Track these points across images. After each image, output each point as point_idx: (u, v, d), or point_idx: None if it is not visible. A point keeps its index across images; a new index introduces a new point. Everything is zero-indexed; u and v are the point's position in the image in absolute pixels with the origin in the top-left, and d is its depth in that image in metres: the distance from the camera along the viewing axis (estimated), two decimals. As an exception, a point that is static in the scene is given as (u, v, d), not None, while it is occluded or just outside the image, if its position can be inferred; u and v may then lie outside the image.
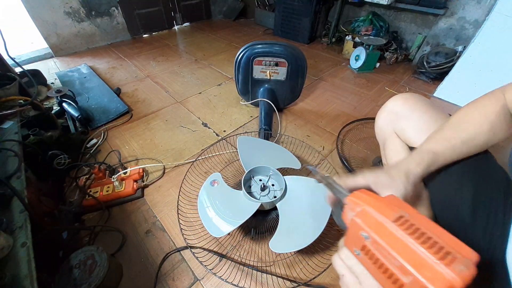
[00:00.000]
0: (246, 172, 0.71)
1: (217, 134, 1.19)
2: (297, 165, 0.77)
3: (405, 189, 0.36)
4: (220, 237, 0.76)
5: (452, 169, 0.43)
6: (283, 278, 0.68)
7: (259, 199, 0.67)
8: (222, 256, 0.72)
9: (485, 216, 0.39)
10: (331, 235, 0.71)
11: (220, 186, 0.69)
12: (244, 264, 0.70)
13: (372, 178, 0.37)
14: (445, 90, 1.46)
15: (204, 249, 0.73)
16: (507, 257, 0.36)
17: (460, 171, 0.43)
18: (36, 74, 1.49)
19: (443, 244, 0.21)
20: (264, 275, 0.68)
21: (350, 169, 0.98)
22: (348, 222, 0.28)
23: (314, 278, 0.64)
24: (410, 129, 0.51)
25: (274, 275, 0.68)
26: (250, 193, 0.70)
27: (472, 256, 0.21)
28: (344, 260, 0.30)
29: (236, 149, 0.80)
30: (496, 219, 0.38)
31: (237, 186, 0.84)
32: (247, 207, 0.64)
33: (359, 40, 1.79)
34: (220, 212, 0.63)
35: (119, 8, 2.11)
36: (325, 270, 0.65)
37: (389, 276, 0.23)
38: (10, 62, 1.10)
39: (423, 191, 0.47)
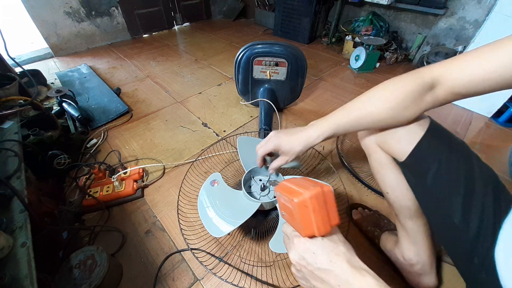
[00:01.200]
0: (246, 172, 0.71)
1: (217, 134, 1.19)
2: (297, 165, 0.77)
3: (299, 154, 0.50)
4: (220, 237, 0.76)
5: (440, 175, 0.43)
6: (267, 284, 0.68)
7: (259, 199, 0.67)
8: (220, 259, 0.72)
9: (477, 219, 0.39)
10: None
11: (220, 186, 0.69)
12: (242, 271, 0.70)
13: (275, 144, 0.49)
14: (445, 90, 1.46)
15: (206, 251, 0.73)
16: (495, 253, 0.37)
17: (447, 177, 0.42)
18: (36, 74, 1.49)
19: (309, 185, 0.34)
20: (264, 274, 0.68)
21: (350, 169, 0.98)
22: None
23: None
24: (392, 141, 0.49)
25: (266, 283, 0.68)
26: (250, 193, 0.70)
27: (323, 185, 0.34)
28: (283, 231, 0.39)
29: (236, 149, 0.80)
30: (488, 219, 0.39)
31: (237, 186, 0.84)
32: (247, 207, 0.64)
33: (359, 40, 1.79)
34: (220, 212, 0.63)
35: (119, 8, 2.11)
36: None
37: (291, 215, 0.36)
38: (10, 62, 1.10)
39: None
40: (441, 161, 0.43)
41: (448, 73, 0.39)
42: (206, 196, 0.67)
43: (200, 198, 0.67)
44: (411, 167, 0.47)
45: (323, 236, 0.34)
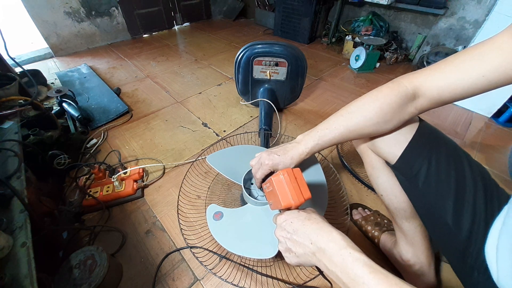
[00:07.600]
0: (246, 172, 0.71)
1: (217, 134, 1.19)
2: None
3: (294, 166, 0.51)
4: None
5: (430, 177, 0.43)
6: (278, 279, 0.68)
7: (259, 199, 0.67)
8: (222, 257, 0.72)
9: (469, 218, 0.39)
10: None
11: (225, 217, 0.63)
12: (244, 265, 0.70)
13: (271, 166, 0.51)
14: (445, 90, 1.46)
15: (204, 248, 0.73)
16: (485, 251, 0.38)
17: (437, 178, 0.42)
18: (36, 74, 1.49)
19: (286, 172, 0.41)
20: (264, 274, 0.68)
21: (349, 169, 0.98)
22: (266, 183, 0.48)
23: (314, 278, 0.65)
24: (382, 145, 0.49)
25: (271, 277, 0.68)
26: (249, 192, 0.70)
27: (294, 170, 0.42)
28: (273, 221, 0.45)
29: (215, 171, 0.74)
30: (480, 218, 0.39)
31: (238, 189, 0.84)
32: (257, 220, 0.61)
33: (359, 40, 1.79)
34: (239, 241, 0.58)
35: (119, 8, 2.11)
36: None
37: (274, 197, 0.42)
38: (10, 62, 1.10)
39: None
40: (430, 162, 0.43)
41: (431, 83, 0.39)
42: (218, 234, 0.60)
43: (212, 234, 0.60)
44: (402, 169, 0.47)
45: (298, 207, 0.41)
